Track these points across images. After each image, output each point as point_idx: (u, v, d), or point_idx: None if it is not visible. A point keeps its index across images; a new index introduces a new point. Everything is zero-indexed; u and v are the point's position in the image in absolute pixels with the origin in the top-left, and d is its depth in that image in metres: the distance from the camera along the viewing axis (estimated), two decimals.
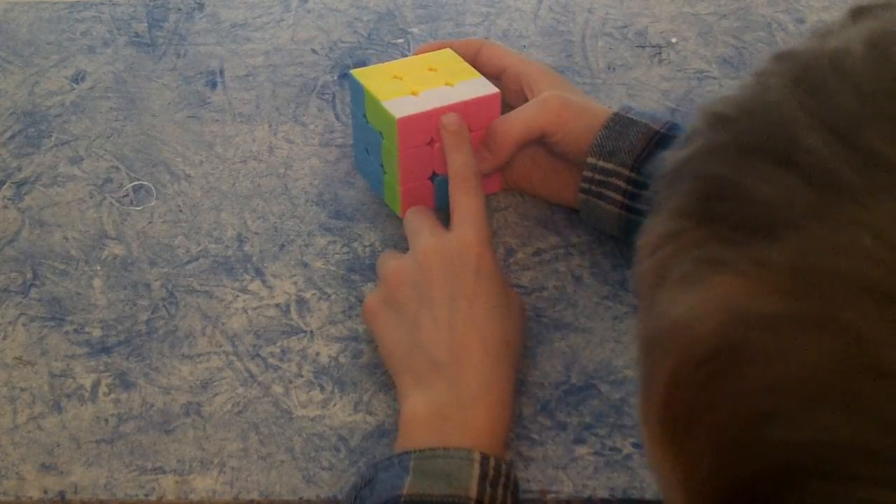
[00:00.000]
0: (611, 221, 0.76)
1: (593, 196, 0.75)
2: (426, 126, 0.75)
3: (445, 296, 0.69)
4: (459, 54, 0.80)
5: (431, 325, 0.69)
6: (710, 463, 0.37)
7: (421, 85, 0.76)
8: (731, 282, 0.35)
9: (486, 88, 0.77)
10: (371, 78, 0.77)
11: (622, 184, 0.73)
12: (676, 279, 0.37)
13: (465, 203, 0.72)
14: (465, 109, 0.75)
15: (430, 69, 0.78)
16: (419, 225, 0.73)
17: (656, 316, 0.38)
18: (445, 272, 0.69)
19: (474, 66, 0.79)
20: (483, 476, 0.62)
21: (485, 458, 0.63)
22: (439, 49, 0.80)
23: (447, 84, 0.77)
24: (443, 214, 0.76)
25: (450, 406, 0.66)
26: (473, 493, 0.61)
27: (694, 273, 0.37)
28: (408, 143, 0.75)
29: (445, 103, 0.75)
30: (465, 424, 0.65)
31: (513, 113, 0.77)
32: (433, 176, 0.78)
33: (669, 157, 0.40)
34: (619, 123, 0.74)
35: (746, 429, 0.35)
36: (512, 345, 0.69)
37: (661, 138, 0.73)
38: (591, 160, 0.74)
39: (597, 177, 0.74)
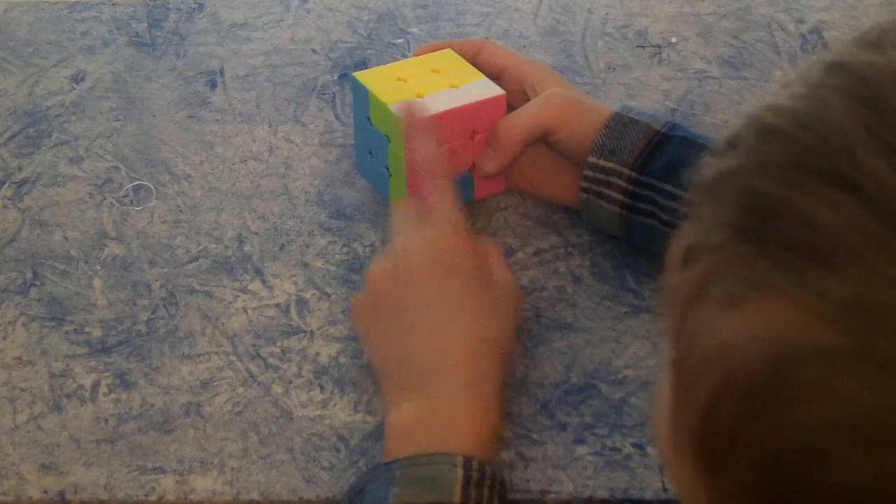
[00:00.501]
0: (611, 221, 0.76)
1: (594, 195, 0.75)
2: (433, 129, 0.75)
3: (426, 299, 0.68)
4: (459, 55, 0.80)
5: (412, 330, 0.68)
6: (753, 496, 0.35)
7: (425, 87, 0.76)
8: (781, 308, 0.34)
9: (492, 90, 0.76)
10: (374, 81, 0.77)
11: (623, 183, 0.73)
12: (719, 298, 0.36)
13: (436, 199, 0.71)
14: (471, 112, 0.75)
15: (434, 71, 0.78)
16: (401, 222, 0.72)
17: (695, 334, 0.37)
18: (425, 274, 0.69)
19: (474, 67, 0.79)
20: (467, 480, 0.62)
21: (468, 462, 0.62)
22: (440, 49, 0.80)
23: (451, 86, 0.76)
24: None
25: (431, 412, 0.65)
26: (458, 497, 0.61)
27: (739, 294, 0.35)
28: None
29: (451, 106, 0.75)
30: (448, 429, 0.64)
31: (516, 112, 0.77)
32: None
33: (711, 165, 0.38)
34: (620, 123, 0.74)
35: (795, 466, 0.34)
36: (496, 342, 0.68)
37: (661, 138, 0.73)
38: (592, 159, 0.74)
39: (598, 176, 0.74)
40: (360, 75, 0.78)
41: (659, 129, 0.74)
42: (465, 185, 0.78)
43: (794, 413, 0.34)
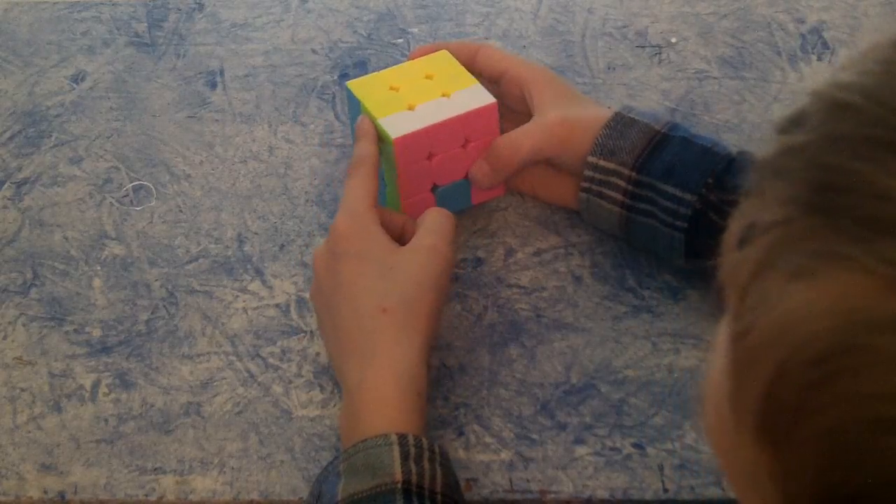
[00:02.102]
0: (611, 220, 0.76)
1: (594, 195, 0.75)
2: (423, 143, 0.75)
3: (327, 293, 0.70)
4: (456, 57, 0.79)
5: (325, 326, 0.71)
6: (819, 466, 0.35)
7: (417, 97, 0.76)
8: (852, 279, 0.34)
9: (483, 98, 0.76)
10: (367, 91, 0.77)
11: (623, 183, 0.73)
12: (787, 271, 0.36)
13: (347, 189, 0.73)
14: (462, 122, 0.75)
15: (427, 76, 0.77)
16: None
17: (759, 307, 0.36)
18: (325, 269, 0.71)
19: (472, 70, 0.79)
20: (405, 456, 0.62)
21: (402, 438, 0.62)
22: (435, 51, 0.80)
23: (444, 94, 0.76)
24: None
25: (348, 400, 0.67)
26: (398, 475, 0.61)
27: (808, 266, 0.35)
28: (406, 160, 0.75)
29: (442, 118, 0.75)
30: (365, 410, 0.65)
31: (519, 136, 0.77)
32: (434, 187, 0.77)
33: (775, 142, 0.38)
34: (621, 123, 0.74)
35: (864, 435, 0.34)
36: (393, 309, 0.67)
37: (662, 138, 0.73)
38: (591, 159, 0.74)
39: (597, 176, 0.74)
40: (354, 85, 0.77)
41: (659, 129, 0.74)
42: (462, 190, 0.78)
43: (863, 382, 0.34)
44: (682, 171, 0.72)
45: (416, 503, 0.61)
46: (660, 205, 0.72)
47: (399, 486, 0.61)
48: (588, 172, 0.75)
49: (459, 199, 0.78)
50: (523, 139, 0.76)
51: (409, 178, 0.76)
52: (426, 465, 0.62)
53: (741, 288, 0.38)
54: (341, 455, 0.64)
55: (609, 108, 0.77)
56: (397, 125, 0.74)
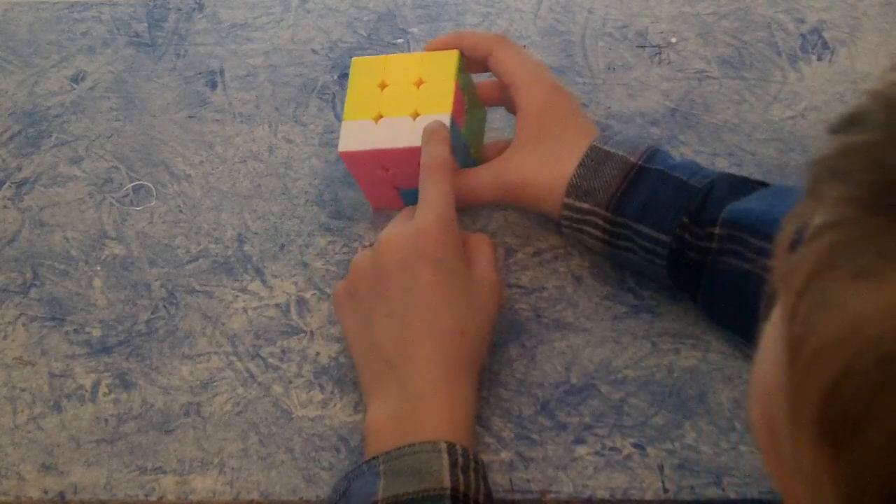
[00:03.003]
0: (597, 249, 0.75)
1: (574, 231, 0.75)
2: (372, 161, 0.75)
3: (400, 289, 0.68)
4: (471, 53, 0.78)
5: (385, 321, 0.68)
6: (885, 469, 0.35)
7: (390, 107, 0.76)
8: None
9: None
10: (360, 78, 0.77)
11: (600, 222, 0.73)
12: (849, 271, 0.35)
13: (429, 191, 0.71)
14: (411, 153, 0.74)
15: (418, 81, 0.77)
16: (397, 217, 0.74)
17: (819, 309, 0.36)
18: (401, 264, 0.68)
19: (484, 68, 0.79)
20: (453, 464, 0.62)
21: (451, 447, 0.63)
22: (454, 41, 0.79)
23: (414, 114, 0.75)
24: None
25: (405, 405, 0.66)
26: (447, 482, 0.61)
27: (873, 266, 0.34)
28: (355, 170, 0.76)
29: (392, 145, 0.74)
30: (425, 422, 0.65)
31: (480, 183, 0.76)
32: (399, 189, 0.78)
33: (829, 142, 0.38)
34: (595, 159, 0.73)
35: None
36: (470, 333, 0.68)
37: (637, 172, 0.72)
38: (567, 200, 0.73)
39: (575, 216, 0.74)
40: (357, 63, 0.78)
41: (636, 161, 0.72)
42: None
43: None
44: (656, 210, 0.71)
45: None
46: (638, 243, 0.72)
47: (448, 492, 0.61)
48: (565, 212, 0.74)
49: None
50: (481, 191, 0.76)
51: (367, 186, 0.78)
52: (472, 475, 0.63)
53: (799, 289, 0.37)
54: (381, 456, 0.63)
55: (595, 130, 0.76)
56: (352, 137, 0.75)
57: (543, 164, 0.75)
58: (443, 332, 0.67)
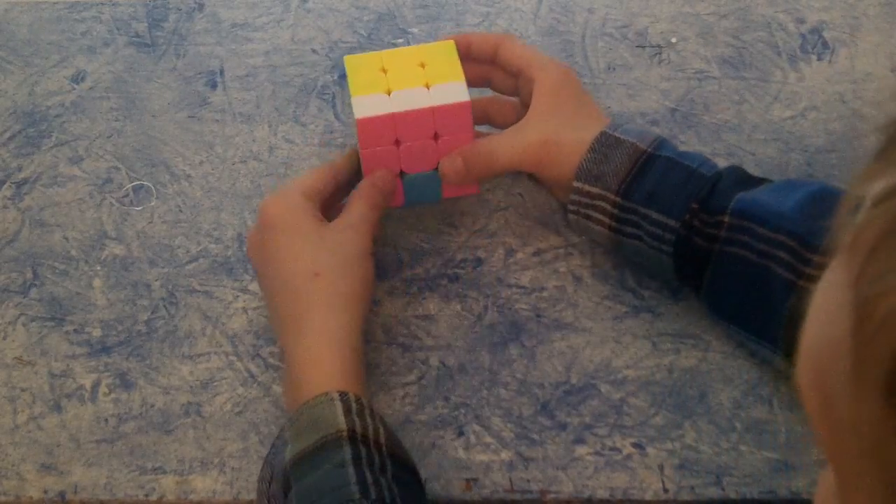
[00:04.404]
0: (601, 237, 0.76)
1: (582, 217, 0.75)
2: (388, 128, 0.75)
3: (260, 264, 0.72)
4: (477, 51, 0.79)
5: (266, 298, 0.73)
6: None
7: (399, 83, 0.76)
8: None
9: (459, 95, 0.75)
10: (358, 68, 0.77)
11: (609, 207, 0.73)
12: None
13: (355, 204, 0.74)
14: (430, 115, 0.75)
15: (421, 64, 0.77)
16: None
17: (889, 271, 0.36)
18: (259, 245, 0.72)
19: (493, 65, 0.79)
20: (347, 410, 0.63)
21: (343, 395, 0.64)
22: (460, 40, 0.79)
23: (425, 85, 0.76)
24: (412, 211, 0.79)
25: (291, 370, 0.68)
26: (343, 425, 0.62)
27: None
28: (368, 142, 0.75)
29: (410, 107, 0.74)
30: (316, 377, 0.66)
31: (498, 147, 0.76)
32: (402, 174, 0.77)
33: None
34: (606, 145, 0.74)
35: None
36: (324, 274, 0.69)
37: (647, 159, 0.73)
38: (577, 184, 0.74)
39: (583, 200, 0.74)
40: (350, 60, 0.78)
41: (645, 148, 0.73)
42: (430, 183, 0.78)
43: None
44: (665, 195, 0.71)
45: (363, 450, 0.62)
46: (645, 229, 0.72)
47: (345, 433, 0.62)
48: (574, 196, 0.74)
49: (428, 192, 0.78)
50: (501, 153, 0.76)
51: (371, 162, 0.76)
52: (368, 420, 0.64)
53: (868, 251, 0.37)
54: (286, 424, 0.65)
55: (606, 118, 0.77)
56: (366, 106, 0.75)
57: (564, 125, 0.76)
58: (295, 279, 0.69)
